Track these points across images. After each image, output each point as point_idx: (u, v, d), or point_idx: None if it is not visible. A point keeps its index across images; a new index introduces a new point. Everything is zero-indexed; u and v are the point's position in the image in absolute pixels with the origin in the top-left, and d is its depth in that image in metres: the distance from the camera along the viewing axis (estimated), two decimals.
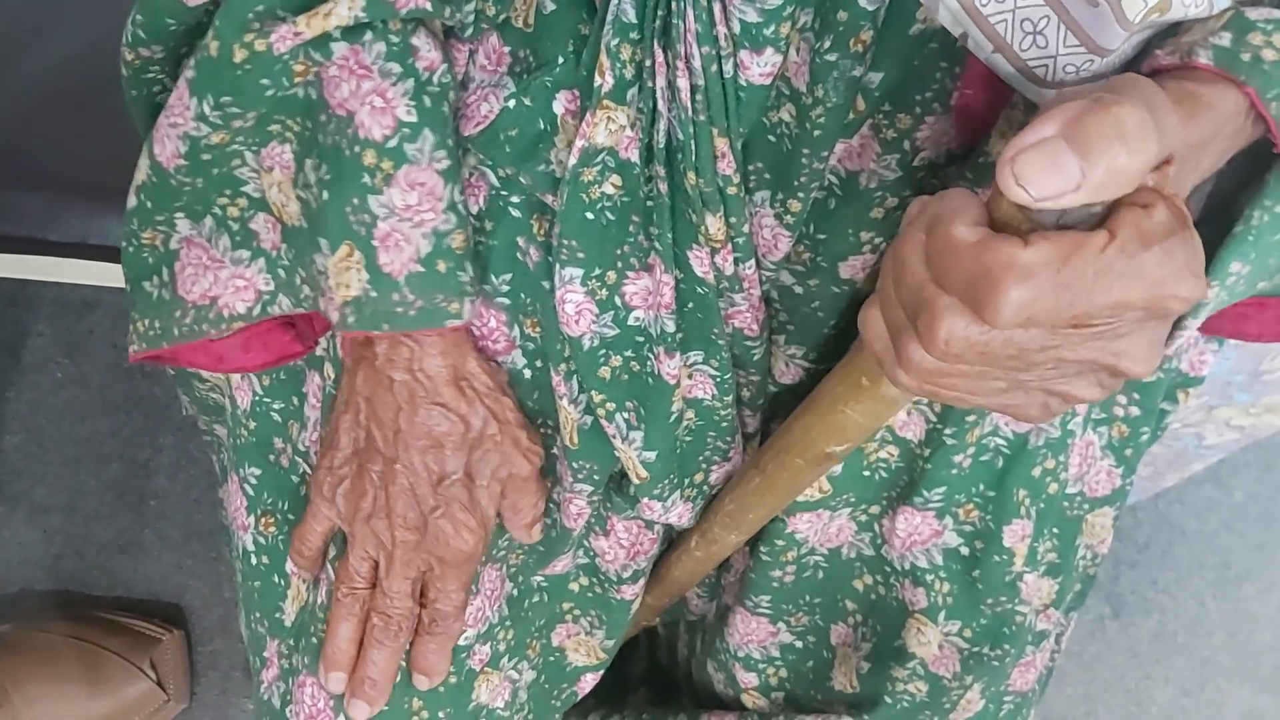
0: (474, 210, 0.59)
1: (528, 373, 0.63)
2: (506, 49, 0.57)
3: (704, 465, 0.67)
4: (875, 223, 0.59)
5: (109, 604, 1.22)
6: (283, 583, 0.68)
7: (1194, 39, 0.49)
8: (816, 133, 0.54)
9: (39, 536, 1.23)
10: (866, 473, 0.68)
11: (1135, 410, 0.67)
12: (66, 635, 1.15)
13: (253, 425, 0.67)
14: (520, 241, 0.60)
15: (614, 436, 0.61)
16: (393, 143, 0.53)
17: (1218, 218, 0.57)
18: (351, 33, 0.52)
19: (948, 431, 0.65)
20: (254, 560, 0.68)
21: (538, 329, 0.62)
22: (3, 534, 1.22)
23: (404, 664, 0.66)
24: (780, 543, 0.71)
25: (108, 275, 0.81)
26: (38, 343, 1.27)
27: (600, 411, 0.61)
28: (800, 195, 0.57)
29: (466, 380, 0.59)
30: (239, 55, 0.51)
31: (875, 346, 0.48)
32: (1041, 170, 0.38)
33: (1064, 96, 0.40)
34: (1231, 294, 0.57)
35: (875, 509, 0.70)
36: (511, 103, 0.57)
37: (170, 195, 0.57)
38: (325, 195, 0.54)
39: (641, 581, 0.73)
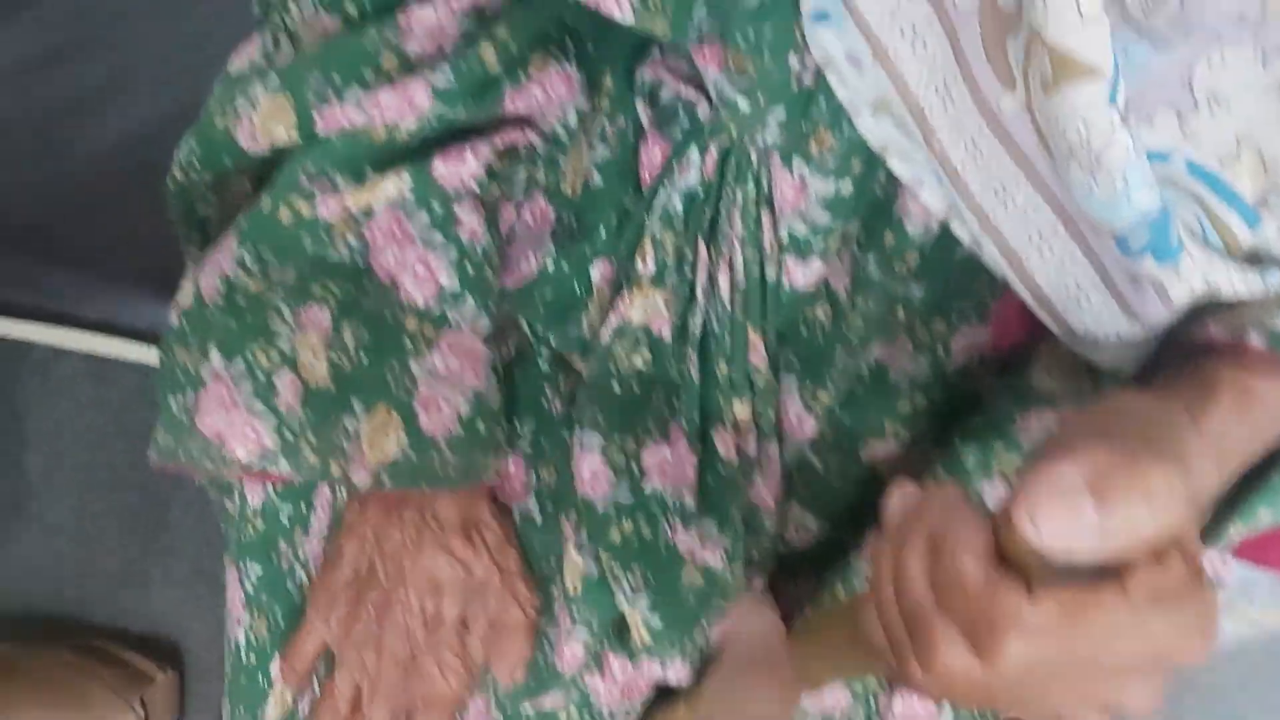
0: (503, 357, 0.59)
1: (538, 517, 0.62)
2: (551, 211, 0.58)
3: (706, 627, 0.66)
4: (902, 416, 0.58)
5: (108, 634, 1.22)
6: (267, 684, 0.68)
7: (1248, 316, 0.48)
8: (852, 337, 0.54)
9: (48, 559, 1.23)
10: None
11: None
12: (63, 662, 1.15)
13: (260, 525, 0.67)
14: (546, 392, 0.60)
15: (619, 597, 0.61)
16: (435, 309, 0.53)
17: None
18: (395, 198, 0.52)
19: None
20: (243, 657, 0.68)
21: (554, 475, 0.61)
22: (12, 552, 1.23)
23: None
24: None
25: (132, 353, 0.81)
26: (68, 365, 1.28)
27: (608, 572, 0.60)
28: (830, 387, 0.57)
29: (476, 529, 0.59)
30: (284, 216, 0.52)
31: (875, 641, 0.46)
32: (1058, 515, 0.36)
33: (1095, 420, 0.39)
34: (1255, 530, 0.56)
35: (874, 685, 0.68)
36: (550, 265, 0.57)
37: (206, 327, 0.57)
38: (364, 359, 0.54)
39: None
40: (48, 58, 0.85)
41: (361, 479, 0.56)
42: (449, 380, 0.54)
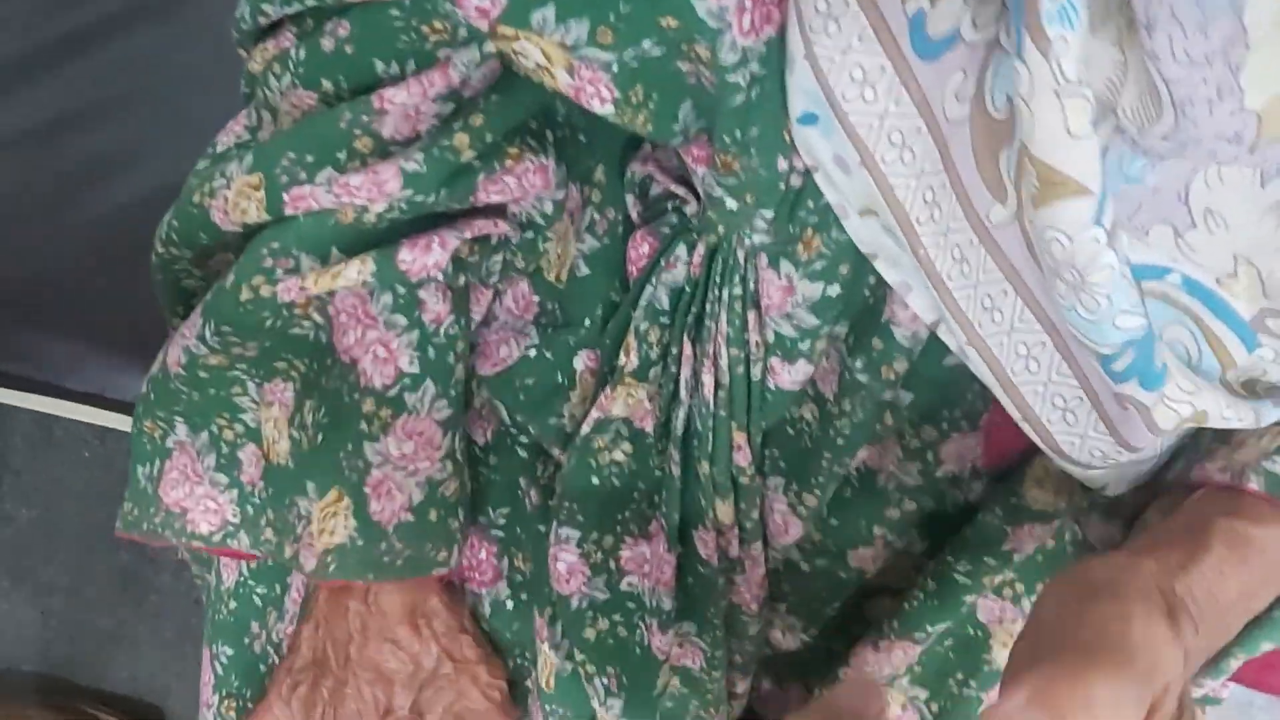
0: (480, 443, 0.59)
1: (510, 604, 0.61)
2: (536, 298, 0.57)
3: None
4: (890, 521, 0.57)
5: (91, 696, 1.21)
6: None
7: (1247, 458, 0.47)
8: (839, 440, 0.53)
9: (36, 616, 1.22)
10: None
11: None
12: None
13: (233, 605, 0.66)
14: (522, 481, 0.59)
15: (592, 698, 0.59)
16: (393, 392, 0.52)
17: None
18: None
19: None
20: None
21: (528, 563, 0.60)
22: (2, 610, 1.22)
23: None
24: None
25: (122, 423, 0.81)
26: (68, 423, 1.28)
27: (581, 671, 0.59)
28: (817, 491, 0.55)
29: (425, 618, 0.58)
30: (244, 294, 0.52)
31: None
32: None
33: (1057, 626, 0.38)
34: (1254, 654, 0.54)
35: None
36: (532, 352, 0.56)
37: (170, 398, 0.57)
38: (320, 438, 0.53)
39: None
40: (54, 127, 0.85)
41: (309, 564, 0.55)
42: (403, 466, 0.53)
